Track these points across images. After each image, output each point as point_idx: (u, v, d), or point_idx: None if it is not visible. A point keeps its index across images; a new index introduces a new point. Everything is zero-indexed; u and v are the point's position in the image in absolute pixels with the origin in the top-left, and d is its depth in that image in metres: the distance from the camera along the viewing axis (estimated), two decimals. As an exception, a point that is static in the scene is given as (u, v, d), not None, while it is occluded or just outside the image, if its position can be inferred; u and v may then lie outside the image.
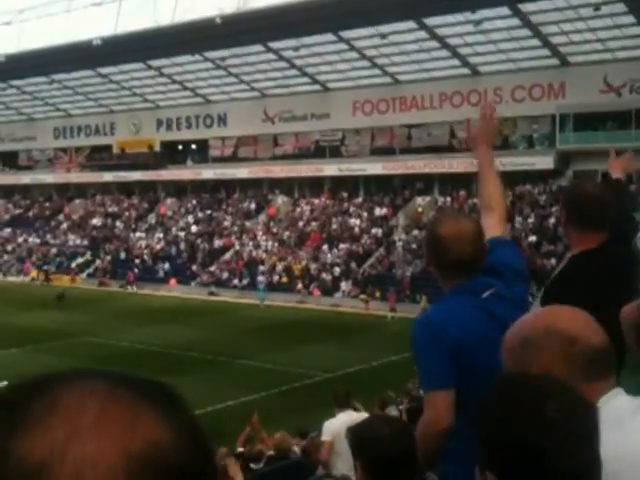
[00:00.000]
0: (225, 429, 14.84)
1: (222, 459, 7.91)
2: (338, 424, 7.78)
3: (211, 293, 43.12)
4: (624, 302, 2.60)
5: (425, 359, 2.83)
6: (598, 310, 2.82)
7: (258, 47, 44.94)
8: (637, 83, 37.76)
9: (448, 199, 43.74)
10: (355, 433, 2.67)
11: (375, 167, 45.96)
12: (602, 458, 1.49)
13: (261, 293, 39.59)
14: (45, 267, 51.25)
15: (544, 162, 39.38)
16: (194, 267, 46.73)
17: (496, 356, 2.63)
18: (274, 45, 44.66)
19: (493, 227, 3.19)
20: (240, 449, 10.39)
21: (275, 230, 48.03)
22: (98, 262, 51.21)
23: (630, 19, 35.08)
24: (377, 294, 38.09)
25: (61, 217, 59.92)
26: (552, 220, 37.88)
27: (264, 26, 39.53)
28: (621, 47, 37.63)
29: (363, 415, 8.07)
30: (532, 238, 36.82)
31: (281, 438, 9.53)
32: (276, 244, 46.33)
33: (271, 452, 9.53)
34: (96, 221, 56.89)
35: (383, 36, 40.46)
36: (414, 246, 40.78)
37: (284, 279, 42.48)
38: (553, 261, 35.00)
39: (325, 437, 8.09)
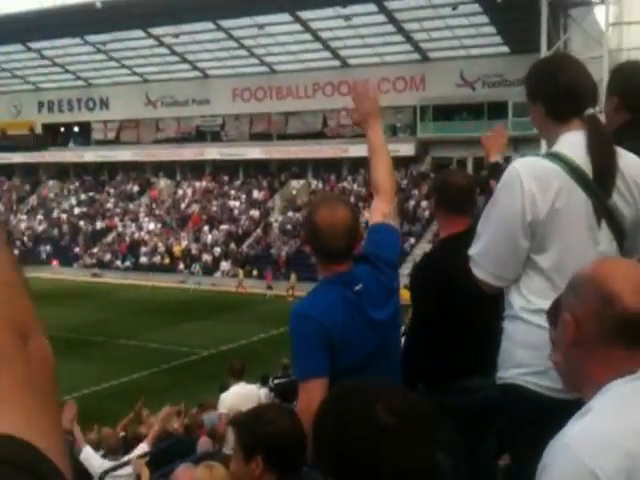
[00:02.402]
0: (108, 408, 15.07)
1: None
2: (233, 396, 7.99)
3: (94, 275, 42.84)
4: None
5: (299, 348, 2.82)
6: (459, 289, 3.02)
7: (139, 32, 44.45)
8: (489, 78, 39.65)
9: (320, 183, 45.11)
10: (252, 429, 2.48)
11: (253, 152, 46.71)
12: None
13: (194, 277, 39.59)
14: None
15: (406, 149, 40.63)
16: (77, 249, 46.21)
17: (361, 346, 2.80)
18: (154, 31, 44.29)
19: (377, 210, 3.21)
20: (122, 433, 10.41)
21: (157, 212, 48.05)
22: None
23: (484, 19, 36.74)
24: (255, 272, 39.04)
25: (-62, 199, 57.09)
26: (412, 202, 39.93)
27: (144, 12, 39.27)
28: (475, 45, 39.52)
29: (254, 388, 8.54)
30: (395, 219, 38.62)
31: (167, 418, 9.27)
32: (158, 226, 46.39)
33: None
34: (-25, 203, 54.75)
35: (260, 27, 41.04)
36: (289, 227, 42.02)
37: (166, 260, 42.77)
38: (412, 240, 37.27)
39: (222, 409, 8.08)
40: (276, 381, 12.38)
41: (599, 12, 31.30)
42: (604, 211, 2.42)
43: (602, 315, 1.58)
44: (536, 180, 2.38)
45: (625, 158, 2.47)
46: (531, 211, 2.39)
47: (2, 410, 0.65)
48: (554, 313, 1.73)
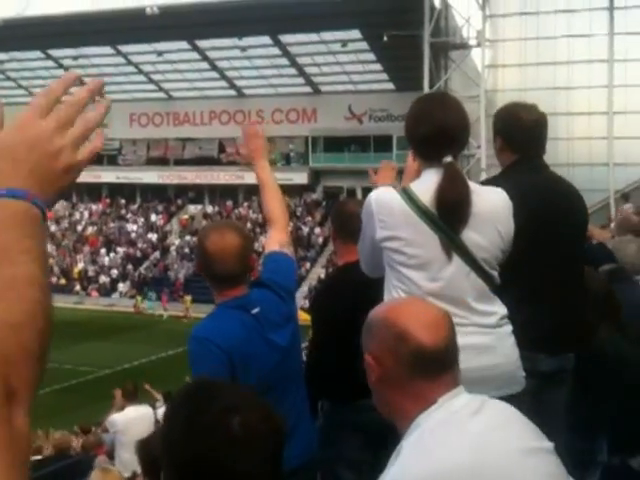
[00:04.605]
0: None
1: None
2: (126, 418, 8.00)
3: (-15, 295, 41.54)
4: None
5: (199, 372, 2.75)
6: (358, 312, 3.06)
7: (38, 53, 43.53)
8: (375, 113, 40.53)
9: (216, 208, 45.02)
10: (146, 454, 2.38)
11: (151, 176, 46.14)
12: (439, 463, 1.47)
13: (150, 303, 38.31)
14: None
15: (299, 177, 41.21)
16: (-31, 270, 44.77)
17: (262, 368, 2.78)
18: (53, 53, 43.45)
19: (272, 239, 3.22)
20: None
21: (54, 234, 46.65)
22: None
23: (371, 56, 37.75)
24: (153, 295, 38.70)
25: None
26: (306, 229, 40.44)
27: (43, 33, 38.44)
28: (363, 80, 40.39)
29: (148, 410, 8.57)
30: (289, 245, 38.64)
31: (60, 438, 9.21)
32: (54, 247, 45.12)
33: (49, 452, 9.24)
34: None
35: (159, 54, 40.95)
36: (187, 250, 41.76)
37: (62, 281, 41.91)
38: (307, 265, 37.92)
39: (111, 430, 8.37)
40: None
41: (476, 55, 33.20)
42: (453, 246, 2.46)
43: (398, 352, 1.62)
44: (383, 211, 2.51)
45: (483, 198, 2.54)
46: (383, 237, 2.51)
47: None
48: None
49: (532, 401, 2.51)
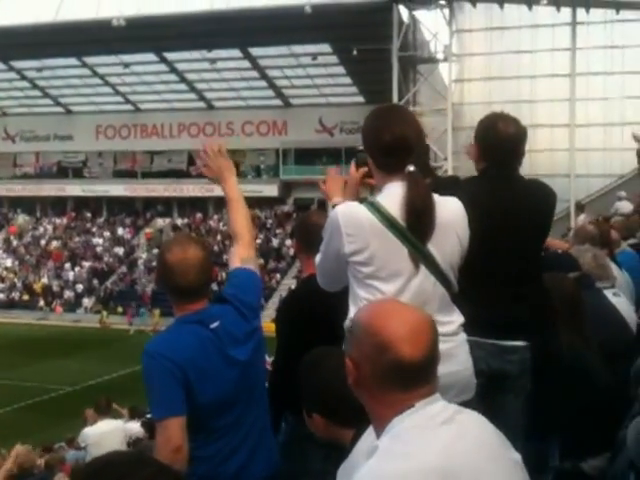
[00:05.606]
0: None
1: None
2: (99, 431, 8.22)
3: (-55, 311, 40.30)
4: (340, 320, 2.68)
5: (153, 388, 2.74)
6: (321, 323, 3.01)
7: (0, 65, 43.21)
8: (346, 125, 40.84)
9: (186, 220, 45.00)
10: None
11: (117, 189, 45.98)
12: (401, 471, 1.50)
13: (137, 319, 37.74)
14: None
15: (270, 190, 41.55)
16: None
17: (220, 384, 2.79)
18: (16, 64, 43.28)
19: (237, 255, 3.22)
20: None
21: (16, 248, 46.46)
22: None
23: (341, 70, 38.55)
24: (119, 309, 38.73)
25: None
26: (277, 241, 40.80)
27: (6, 44, 38.03)
28: (333, 93, 41.05)
29: (120, 424, 8.87)
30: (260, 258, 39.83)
31: (24, 458, 8.95)
32: (17, 262, 44.97)
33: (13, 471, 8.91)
34: None
35: (126, 65, 40.93)
36: (154, 264, 41.92)
37: (25, 296, 41.65)
38: (278, 276, 38.33)
39: (82, 444, 8.46)
40: (149, 416, 12.55)
41: (444, 69, 33.77)
42: (420, 256, 2.53)
43: (376, 361, 1.64)
44: (350, 225, 2.52)
45: (444, 207, 2.59)
46: (352, 251, 2.53)
47: None
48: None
49: (480, 403, 2.57)
